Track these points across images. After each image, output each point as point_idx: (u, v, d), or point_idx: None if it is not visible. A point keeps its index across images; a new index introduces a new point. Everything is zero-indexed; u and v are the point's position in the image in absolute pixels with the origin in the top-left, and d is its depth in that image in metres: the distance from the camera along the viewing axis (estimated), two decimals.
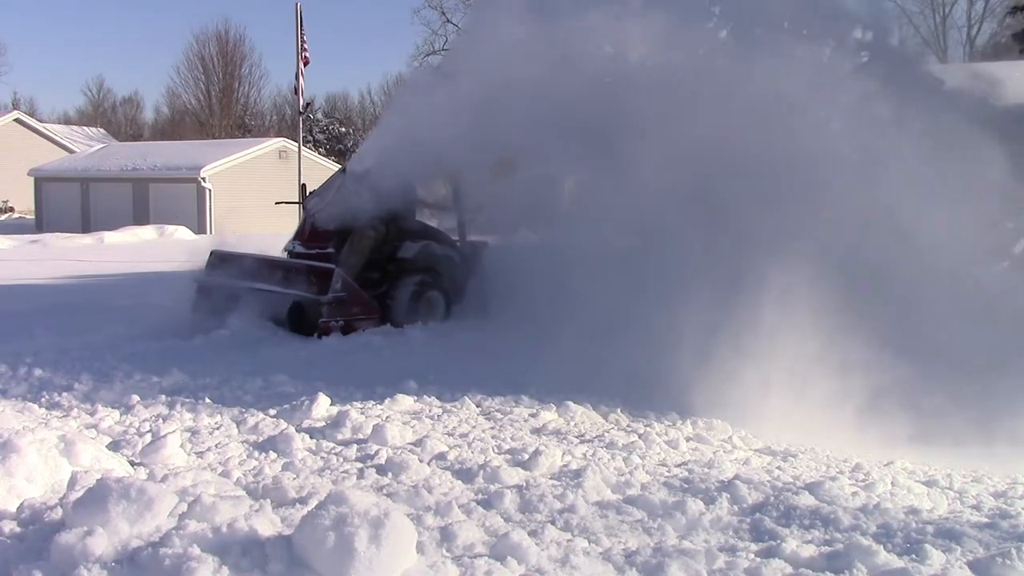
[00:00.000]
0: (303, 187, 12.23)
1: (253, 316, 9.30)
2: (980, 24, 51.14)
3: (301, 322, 9.11)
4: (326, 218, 9.90)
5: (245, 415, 6.05)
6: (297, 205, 12.17)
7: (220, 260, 10.19)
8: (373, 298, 9.62)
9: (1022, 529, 4.02)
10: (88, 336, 9.10)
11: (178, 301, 10.06)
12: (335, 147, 46.12)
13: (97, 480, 3.67)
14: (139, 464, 4.96)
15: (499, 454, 5.28)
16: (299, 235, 10.28)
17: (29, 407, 6.24)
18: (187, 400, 6.47)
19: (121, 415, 6.10)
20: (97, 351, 8.34)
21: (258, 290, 9.45)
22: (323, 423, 5.83)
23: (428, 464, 4.99)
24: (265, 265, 9.90)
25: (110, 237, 25.31)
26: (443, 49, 53.22)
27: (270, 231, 29.91)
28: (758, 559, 3.55)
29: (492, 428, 5.93)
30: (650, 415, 6.29)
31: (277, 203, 13.49)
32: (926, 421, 5.99)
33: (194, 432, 5.66)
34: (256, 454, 5.21)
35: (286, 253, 10.27)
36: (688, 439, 5.73)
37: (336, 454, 5.24)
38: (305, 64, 21.69)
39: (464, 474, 4.83)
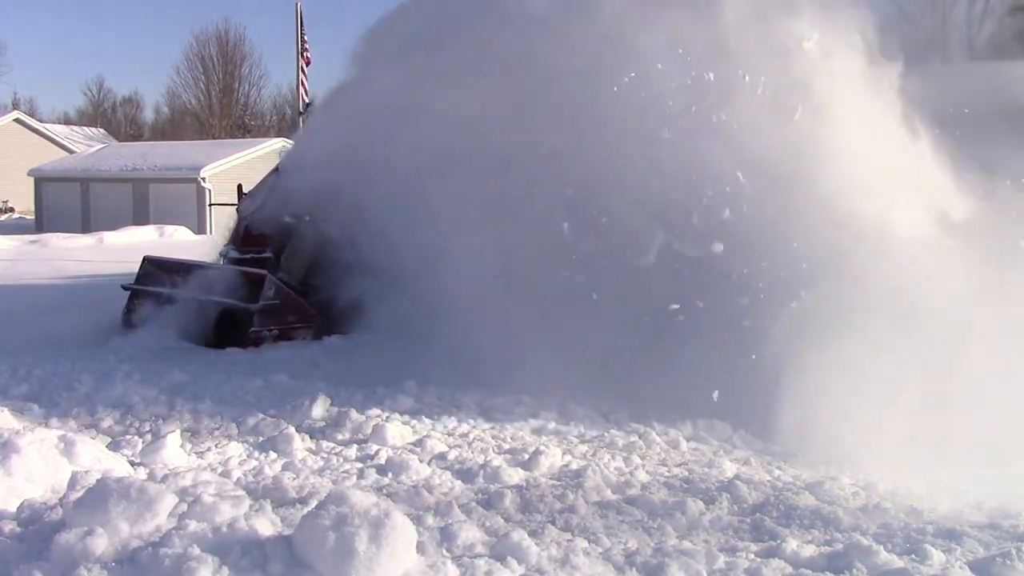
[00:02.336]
0: (239, 187, 11.39)
1: (175, 326, 8.79)
2: (980, 24, 51.04)
3: (230, 331, 8.55)
4: (261, 220, 9.38)
5: (245, 415, 6.05)
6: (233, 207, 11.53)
7: (153, 266, 9.77)
8: (316, 304, 8.97)
9: (1022, 529, 4.02)
10: (88, 336, 9.09)
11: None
12: None
13: (97, 480, 3.68)
14: (139, 464, 4.96)
15: (499, 454, 5.28)
16: (233, 239, 9.78)
17: (29, 407, 6.24)
18: (187, 400, 6.47)
19: (121, 415, 6.10)
20: (97, 351, 8.34)
21: (186, 298, 8.96)
22: (323, 423, 5.83)
23: (428, 464, 4.99)
24: (194, 271, 9.36)
25: (110, 237, 25.28)
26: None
27: None
28: (758, 559, 3.55)
29: (492, 428, 5.93)
30: (650, 415, 6.28)
31: (211, 204, 12.59)
32: None
33: (194, 432, 5.67)
34: (256, 454, 5.21)
35: (220, 258, 9.73)
36: (688, 439, 5.73)
37: (336, 454, 5.25)
38: (307, 64, 21.66)
39: (464, 474, 4.83)
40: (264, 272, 8.80)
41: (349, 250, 8.79)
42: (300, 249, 9.20)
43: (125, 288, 9.68)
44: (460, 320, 7.22)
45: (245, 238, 9.52)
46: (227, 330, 8.59)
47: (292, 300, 8.83)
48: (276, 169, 10.16)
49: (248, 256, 9.25)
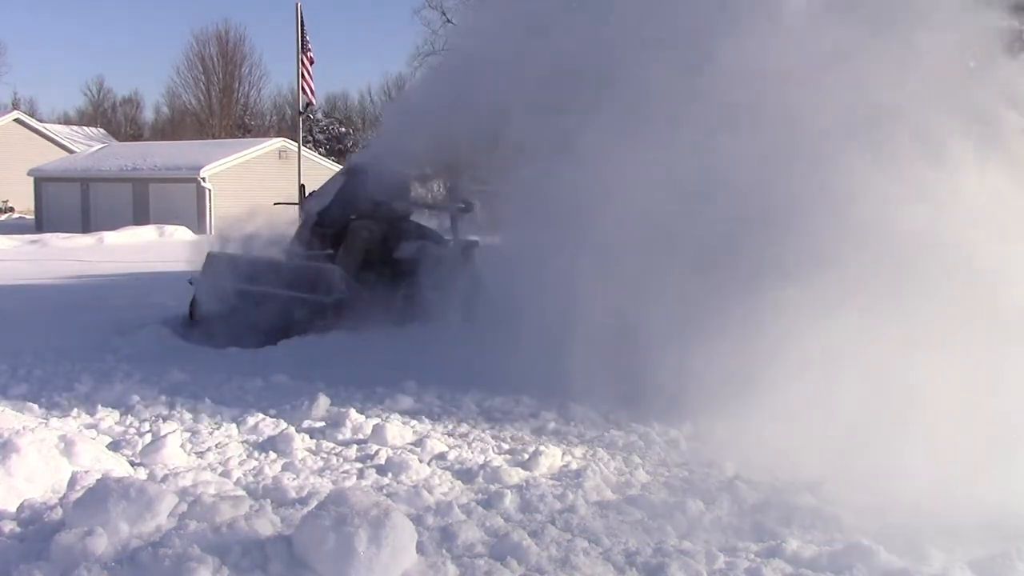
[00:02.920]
0: (302, 187, 12.10)
1: (241, 320, 9.01)
2: None
3: (302, 323, 8.90)
4: (325, 219, 9.83)
5: (245, 415, 6.05)
6: (296, 206, 11.98)
7: (218, 262, 9.97)
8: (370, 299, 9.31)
9: (1022, 529, 4.02)
10: (88, 336, 9.09)
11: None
12: (335, 147, 46.11)
13: (97, 480, 3.68)
14: (139, 464, 4.96)
15: (499, 454, 5.28)
16: (298, 236, 10.10)
17: (29, 407, 6.24)
18: (187, 400, 6.47)
19: (121, 415, 6.11)
20: (97, 351, 8.34)
21: (256, 292, 9.21)
22: (323, 423, 5.83)
23: (428, 464, 4.99)
24: (262, 266, 9.69)
25: (110, 237, 25.28)
26: (443, 49, 53.51)
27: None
28: (758, 559, 3.55)
29: (492, 428, 5.93)
30: (650, 415, 6.28)
31: (276, 204, 13.36)
32: None
33: (194, 432, 5.66)
34: (256, 454, 5.21)
35: (285, 255, 10.00)
36: (688, 439, 5.73)
37: (336, 454, 5.24)
38: (311, 63, 21.63)
39: (464, 474, 4.83)
40: (336, 267, 9.27)
41: (401, 247, 9.69)
42: (354, 247, 9.69)
43: (191, 283, 9.96)
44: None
45: (311, 236, 9.89)
46: (299, 322, 8.90)
47: (358, 294, 9.21)
48: (344, 170, 10.60)
49: (313, 253, 9.66)
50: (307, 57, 21.48)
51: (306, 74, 21.45)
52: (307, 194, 11.13)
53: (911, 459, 4.69)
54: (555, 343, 6.53)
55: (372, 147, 10.76)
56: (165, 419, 5.98)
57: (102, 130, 55.00)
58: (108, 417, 6.00)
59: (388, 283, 9.51)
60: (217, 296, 9.45)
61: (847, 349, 5.43)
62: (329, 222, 9.82)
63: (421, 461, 4.99)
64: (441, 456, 5.15)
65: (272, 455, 5.17)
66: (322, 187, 10.61)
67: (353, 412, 5.88)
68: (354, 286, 9.25)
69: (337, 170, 11.00)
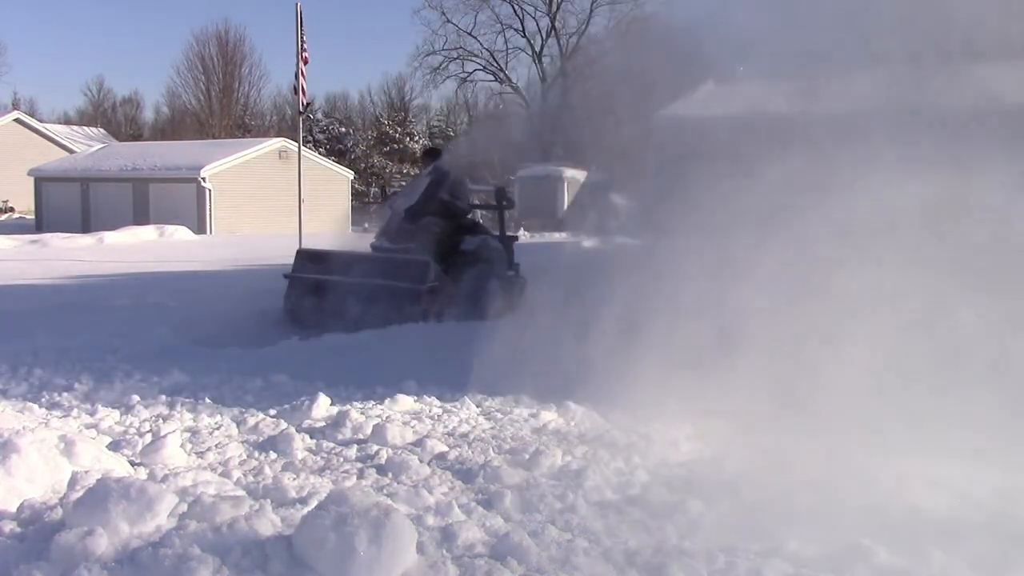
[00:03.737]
0: (382, 187, 13.92)
1: (335, 310, 9.97)
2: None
3: (397, 311, 9.78)
4: (412, 216, 10.74)
5: (245, 415, 6.05)
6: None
7: (307, 257, 10.94)
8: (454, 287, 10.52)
9: (1022, 529, 4.02)
10: (88, 336, 9.09)
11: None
12: (335, 147, 46.13)
13: (97, 480, 3.68)
14: (139, 464, 4.96)
15: (499, 454, 5.28)
16: (385, 233, 11.02)
17: (29, 407, 6.24)
18: (187, 400, 6.47)
19: (121, 415, 6.10)
20: (97, 351, 8.34)
21: (350, 283, 10.12)
22: (323, 423, 5.83)
23: (428, 464, 4.99)
24: (355, 259, 10.77)
25: (110, 237, 25.29)
26: (443, 49, 53.63)
27: (271, 231, 30.05)
28: (758, 559, 3.55)
29: (492, 428, 5.93)
30: (650, 415, 6.28)
31: (369, 203, 14.36)
32: None
33: (194, 432, 5.66)
34: (256, 454, 5.21)
35: (371, 250, 11.08)
36: (688, 439, 5.73)
37: (336, 454, 5.24)
38: (305, 63, 21.64)
39: (464, 474, 4.82)
40: (428, 258, 10.18)
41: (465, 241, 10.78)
42: (427, 242, 10.48)
43: (285, 277, 10.79)
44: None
45: (398, 232, 10.76)
46: (393, 310, 9.77)
47: (445, 283, 10.29)
48: (429, 171, 11.39)
49: (398, 247, 10.56)
50: (303, 58, 21.49)
51: (301, 74, 21.46)
52: (390, 193, 12.50)
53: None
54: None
55: (456, 149, 11.87)
56: (165, 419, 5.98)
57: (102, 130, 55.03)
58: (108, 417, 6.00)
59: (456, 275, 10.54)
60: (309, 288, 10.44)
61: None
62: (414, 219, 10.69)
63: (421, 461, 4.99)
64: (441, 456, 5.15)
65: (272, 455, 5.17)
66: (408, 186, 11.91)
67: (353, 412, 5.88)
68: (443, 276, 10.25)
69: (423, 170, 12.01)
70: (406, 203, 10.96)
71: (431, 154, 12.07)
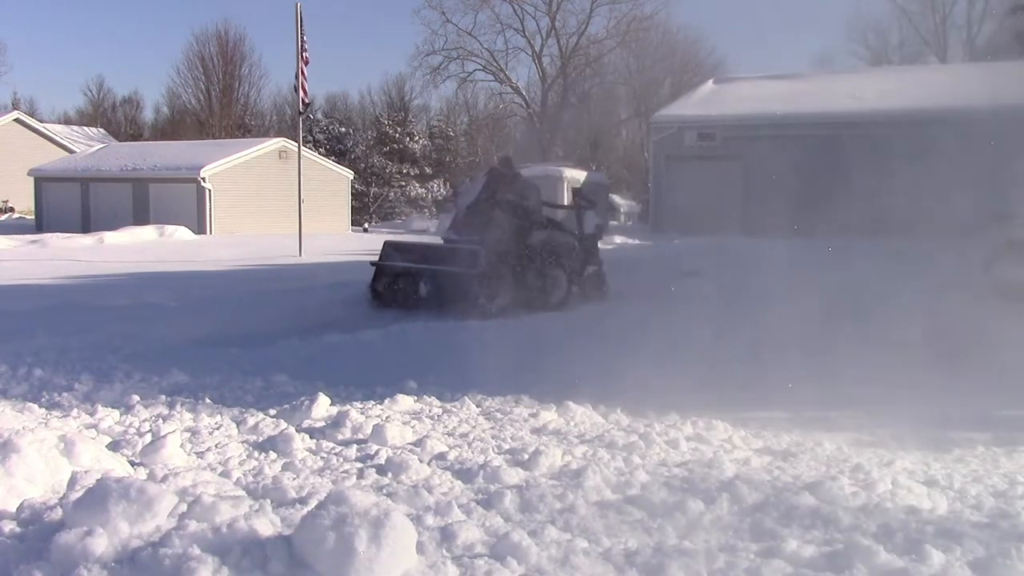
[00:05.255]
0: (452, 188, 15.71)
1: (415, 292, 11.77)
2: (980, 24, 51.13)
3: (455, 293, 11.16)
4: (471, 212, 12.20)
5: (245, 415, 6.05)
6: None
7: (391, 247, 12.63)
8: (516, 276, 11.79)
9: (1022, 529, 4.02)
10: (88, 336, 9.09)
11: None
12: (335, 147, 46.10)
13: (97, 480, 3.67)
14: (139, 464, 4.95)
15: (499, 454, 5.27)
16: (452, 226, 12.71)
17: (29, 407, 6.23)
18: (187, 400, 6.47)
19: (121, 415, 6.10)
20: (97, 351, 8.34)
21: (421, 269, 11.92)
22: (323, 423, 5.83)
23: (428, 464, 4.99)
24: (427, 249, 12.74)
25: (110, 237, 25.28)
26: (443, 49, 53.62)
27: (271, 231, 30.06)
28: (758, 559, 3.55)
29: (492, 428, 5.93)
30: (650, 415, 6.29)
31: (435, 203, 16.45)
32: None
33: (194, 432, 5.66)
34: (256, 454, 5.20)
35: (442, 241, 12.90)
36: (688, 439, 5.73)
37: (336, 454, 5.24)
38: (306, 64, 21.65)
39: (464, 474, 4.82)
40: (479, 247, 11.57)
41: (531, 236, 12.07)
42: (493, 235, 11.81)
43: (372, 264, 12.45)
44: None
45: (462, 224, 12.32)
46: (455, 293, 11.16)
47: (501, 270, 11.63)
48: (485, 172, 13.04)
49: (463, 238, 12.10)
50: (303, 58, 21.49)
51: (301, 74, 21.47)
52: (455, 191, 14.35)
53: None
54: None
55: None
56: (165, 419, 5.98)
57: (102, 130, 55.05)
58: (108, 417, 6.00)
59: (521, 266, 11.92)
60: (392, 273, 12.21)
61: None
62: (474, 214, 12.15)
63: (421, 461, 4.99)
64: (441, 456, 5.15)
65: (272, 455, 5.17)
66: (470, 186, 13.26)
67: (353, 412, 5.88)
68: (496, 263, 11.53)
69: (485, 171, 13.63)
70: (467, 200, 12.52)
71: (504, 163, 13.31)
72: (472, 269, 11.33)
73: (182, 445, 5.26)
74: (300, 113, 23.34)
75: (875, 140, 26.93)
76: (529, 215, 12.38)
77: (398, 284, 12.09)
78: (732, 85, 33.94)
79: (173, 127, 57.44)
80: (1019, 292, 10.36)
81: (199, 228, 30.01)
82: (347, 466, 5.02)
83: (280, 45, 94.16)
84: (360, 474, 4.86)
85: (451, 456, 5.16)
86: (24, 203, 39.75)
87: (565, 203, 16.54)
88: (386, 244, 12.75)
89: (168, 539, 3.17)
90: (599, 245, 13.51)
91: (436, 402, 6.51)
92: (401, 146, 47.03)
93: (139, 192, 32.34)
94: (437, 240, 13.43)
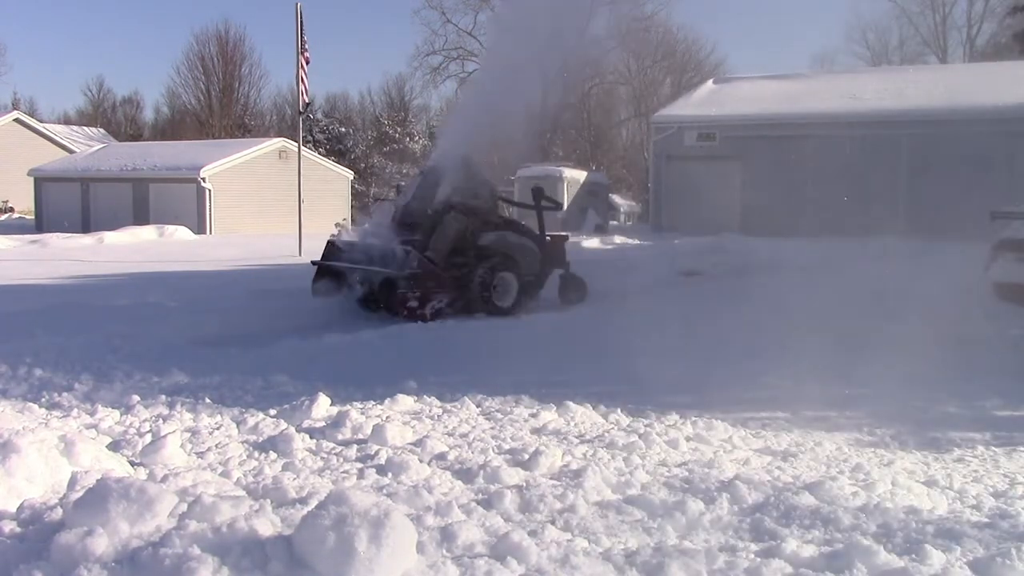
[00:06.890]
0: (397, 187, 14.40)
1: (349, 291, 11.49)
2: (980, 24, 51.15)
3: (384, 293, 11.08)
4: (407, 212, 11.78)
5: (245, 415, 6.05)
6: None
7: (332, 247, 12.12)
8: (456, 279, 11.28)
9: (1022, 529, 4.02)
10: (88, 336, 9.09)
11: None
12: (335, 147, 46.12)
13: (97, 480, 3.67)
14: (139, 464, 4.95)
15: (499, 454, 5.27)
16: (390, 225, 12.02)
17: (29, 407, 6.23)
18: (187, 400, 6.47)
19: (121, 415, 6.10)
20: (97, 351, 8.34)
21: (356, 270, 11.49)
22: (323, 423, 5.83)
23: (428, 464, 4.99)
24: (364, 249, 11.84)
25: (110, 237, 25.28)
26: (443, 49, 53.59)
27: (271, 231, 30.04)
28: (758, 559, 3.55)
29: (492, 428, 5.92)
30: (650, 415, 6.29)
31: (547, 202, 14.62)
32: None
33: (194, 432, 5.66)
34: (256, 454, 5.20)
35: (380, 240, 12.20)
36: (688, 439, 5.73)
37: (336, 454, 5.24)
38: (307, 63, 21.64)
39: (464, 474, 4.82)
40: (410, 248, 11.09)
41: (483, 236, 11.64)
42: (444, 234, 11.39)
43: (313, 264, 12.12)
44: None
45: (401, 225, 11.80)
46: (380, 292, 11.15)
47: (430, 270, 11.04)
48: (421, 170, 12.83)
49: (402, 239, 11.49)
50: (304, 57, 21.48)
51: (302, 74, 21.46)
52: (398, 187, 13.82)
53: None
54: None
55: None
56: (165, 419, 5.98)
57: (102, 130, 55.04)
58: (108, 417, 6.00)
59: (466, 269, 11.38)
60: (328, 273, 11.79)
61: None
62: (409, 214, 11.74)
63: (421, 461, 4.99)
64: (441, 456, 5.15)
65: (272, 455, 5.17)
66: (405, 186, 12.84)
67: (353, 412, 5.88)
68: (427, 264, 10.99)
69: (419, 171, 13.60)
70: (402, 200, 12.13)
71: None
72: (401, 271, 10.91)
73: (182, 445, 5.26)
74: (300, 113, 23.33)
75: (875, 140, 26.95)
76: (478, 215, 11.84)
77: (336, 284, 11.72)
78: (732, 85, 33.91)
79: (173, 127, 57.45)
80: (1019, 293, 10.37)
81: (199, 228, 30.02)
82: (347, 466, 5.02)
83: (280, 45, 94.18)
84: (360, 474, 4.86)
85: (451, 456, 5.16)
86: (24, 203, 39.75)
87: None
88: (328, 243, 12.28)
89: (168, 539, 3.17)
90: (565, 247, 12.85)
91: (436, 402, 6.51)
92: (401, 146, 47.05)
93: (139, 192, 32.35)
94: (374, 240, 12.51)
